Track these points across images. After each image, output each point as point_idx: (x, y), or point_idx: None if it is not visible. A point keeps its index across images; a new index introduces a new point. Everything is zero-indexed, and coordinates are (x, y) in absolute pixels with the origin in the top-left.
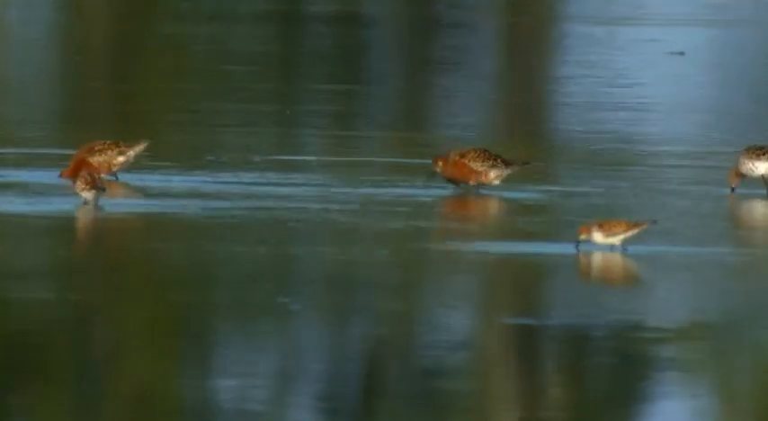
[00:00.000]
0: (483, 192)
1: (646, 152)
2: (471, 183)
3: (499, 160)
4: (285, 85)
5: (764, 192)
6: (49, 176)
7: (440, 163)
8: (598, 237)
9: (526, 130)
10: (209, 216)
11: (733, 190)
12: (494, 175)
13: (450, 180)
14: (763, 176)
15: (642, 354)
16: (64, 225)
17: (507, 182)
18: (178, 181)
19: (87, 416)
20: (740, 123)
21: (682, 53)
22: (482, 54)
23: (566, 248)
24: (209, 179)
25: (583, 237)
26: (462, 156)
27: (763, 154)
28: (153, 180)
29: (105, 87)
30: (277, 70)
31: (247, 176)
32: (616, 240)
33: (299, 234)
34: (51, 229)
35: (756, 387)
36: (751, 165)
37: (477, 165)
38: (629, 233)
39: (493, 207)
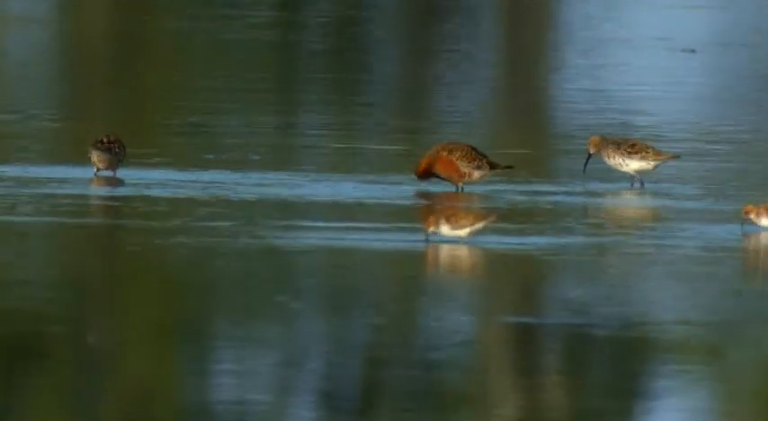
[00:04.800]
0: (467, 188)
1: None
2: (455, 182)
3: (485, 161)
4: (286, 78)
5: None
6: (45, 171)
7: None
8: (445, 229)
9: (526, 123)
10: (209, 214)
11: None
12: (478, 176)
13: (434, 175)
14: (634, 172)
15: (642, 351)
16: (60, 223)
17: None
18: (176, 179)
19: (87, 416)
20: (743, 124)
21: (693, 51)
22: (488, 44)
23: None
24: (209, 176)
25: (431, 229)
26: (450, 152)
27: (635, 152)
28: (151, 177)
29: (104, 81)
30: (277, 61)
31: (247, 173)
32: (463, 233)
33: (298, 231)
34: (46, 227)
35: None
36: (621, 160)
37: (463, 165)
38: (476, 226)
39: (484, 203)
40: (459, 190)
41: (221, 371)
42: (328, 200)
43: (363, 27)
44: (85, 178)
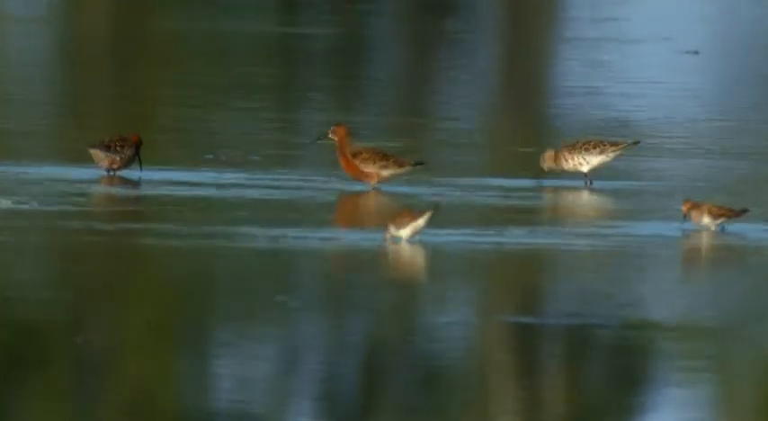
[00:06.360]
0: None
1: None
2: (369, 183)
3: (391, 160)
4: (285, 75)
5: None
6: (44, 171)
7: (336, 131)
8: (392, 229)
9: (525, 121)
10: (208, 214)
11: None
12: (386, 175)
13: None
14: (593, 168)
15: (641, 351)
16: (61, 222)
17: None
18: (176, 179)
19: (87, 417)
20: (742, 126)
21: (696, 52)
22: (488, 42)
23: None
24: (209, 177)
25: (392, 231)
26: (355, 155)
27: (594, 147)
28: (151, 178)
29: (103, 81)
30: (277, 60)
31: (247, 173)
32: (404, 233)
33: (297, 231)
34: (43, 227)
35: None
36: (581, 159)
37: (367, 167)
38: (414, 224)
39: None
40: (371, 189)
41: (221, 372)
42: (329, 199)
43: (364, 24)
44: (84, 178)
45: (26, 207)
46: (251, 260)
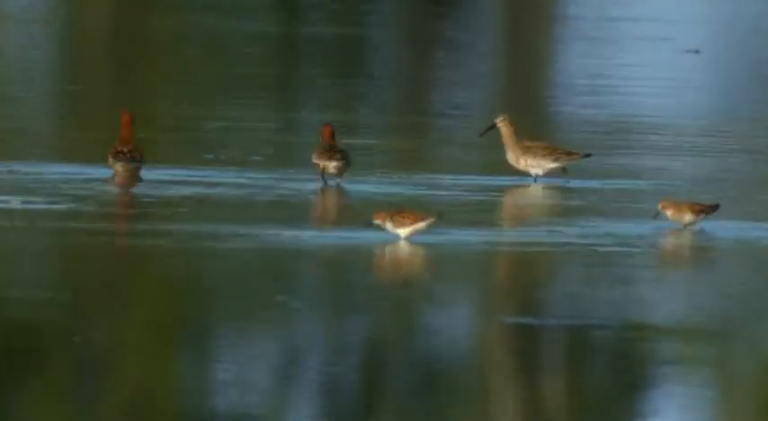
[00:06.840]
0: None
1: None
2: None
3: (325, 154)
4: (285, 74)
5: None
6: (43, 170)
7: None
8: (389, 226)
9: (525, 118)
10: (208, 214)
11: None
12: (326, 166)
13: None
14: (543, 173)
15: (640, 351)
16: (59, 222)
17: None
18: (176, 179)
19: (86, 417)
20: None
21: (697, 51)
22: (489, 40)
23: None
24: (209, 176)
25: (377, 222)
26: (313, 149)
27: (549, 154)
28: (151, 177)
29: (103, 80)
30: (277, 59)
31: (247, 173)
32: (402, 233)
33: (298, 231)
34: (43, 226)
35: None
36: (534, 162)
37: (314, 157)
38: (415, 226)
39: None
40: (326, 184)
41: (221, 372)
42: (330, 199)
43: (364, 23)
44: (83, 178)
45: (25, 207)
46: (251, 260)
